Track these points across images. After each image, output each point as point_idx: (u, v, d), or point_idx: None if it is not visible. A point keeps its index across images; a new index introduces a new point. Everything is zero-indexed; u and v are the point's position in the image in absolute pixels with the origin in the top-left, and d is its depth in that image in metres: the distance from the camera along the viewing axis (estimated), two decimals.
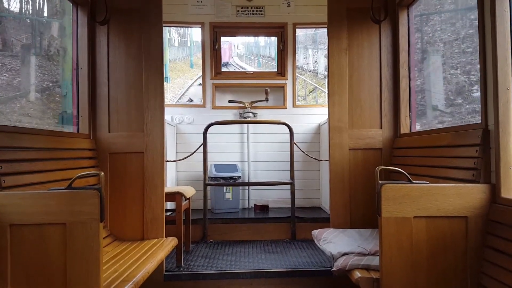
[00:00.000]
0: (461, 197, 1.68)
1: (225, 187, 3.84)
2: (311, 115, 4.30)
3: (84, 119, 2.56)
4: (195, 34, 5.10)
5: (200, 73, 4.35)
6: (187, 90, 4.83)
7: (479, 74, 1.80)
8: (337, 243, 2.28)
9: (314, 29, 4.85)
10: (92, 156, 2.52)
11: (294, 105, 4.31)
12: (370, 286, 1.76)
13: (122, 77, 2.62)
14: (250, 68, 5.33)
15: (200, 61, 4.32)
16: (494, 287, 1.55)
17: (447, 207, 1.67)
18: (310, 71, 5.07)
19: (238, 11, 4.28)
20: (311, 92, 4.98)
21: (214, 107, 4.26)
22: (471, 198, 1.68)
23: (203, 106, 4.27)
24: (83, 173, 1.73)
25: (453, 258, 1.68)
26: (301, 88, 4.81)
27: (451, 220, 1.68)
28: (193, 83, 4.85)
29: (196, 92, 4.60)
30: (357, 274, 1.83)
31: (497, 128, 1.66)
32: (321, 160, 4.05)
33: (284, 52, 4.31)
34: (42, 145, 2.00)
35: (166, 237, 2.57)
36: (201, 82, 4.33)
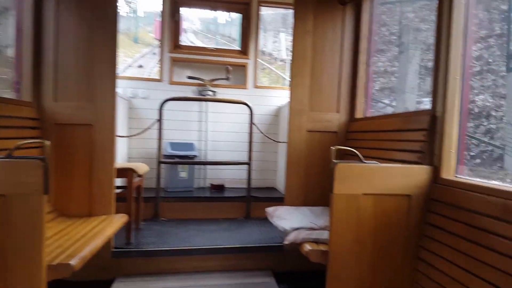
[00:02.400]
0: (405, 176, 1.78)
1: (180, 166, 3.77)
2: (271, 97, 4.30)
3: (27, 86, 2.36)
4: (146, 2, 4.80)
5: (146, 50, 4.15)
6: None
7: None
8: (290, 219, 2.35)
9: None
10: (36, 126, 2.34)
11: (255, 86, 4.28)
12: (319, 258, 1.86)
13: (71, 42, 2.43)
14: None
15: (148, 36, 4.12)
16: (430, 259, 1.69)
17: (393, 186, 1.77)
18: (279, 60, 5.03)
19: None
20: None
21: (172, 83, 4.12)
22: (414, 178, 1.79)
23: (160, 80, 4.10)
24: (25, 141, 1.60)
25: (396, 233, 1.79)
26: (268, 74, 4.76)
27: (396, 197, 1.78)
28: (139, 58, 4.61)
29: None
30: (307, 247, 1.91)
31: (443, 114, 1.77)
32: (279, 142, 4.09)
33: (248, 30, 4.24)
34: None
35: (116, 214, 2.48)
36: (159, 55, 4.16)
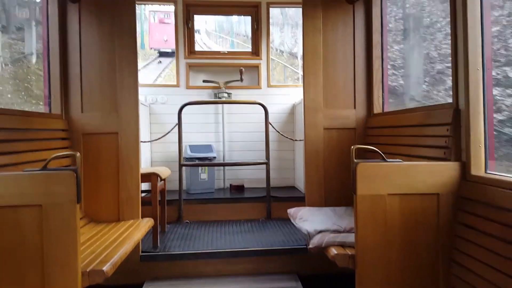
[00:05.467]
0: (432, 174, 1.74)
1: (200, 168, 3.82)
2: (285, 95, 4.31)
3: (56, 99, 2.46)
4: (151, 6, 4.88)
5: (153, 56, 4.25)
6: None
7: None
8: (312, 221, 2.34)
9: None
10: (65, 137, 2.43)
11: (269, 85, 4.30)
12: (345, 262, 1.81)
13: (94, 56, 2.53)
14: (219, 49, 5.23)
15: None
16: (466, 262, 1.60)
17: (419, 184, 1.73)
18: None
19: None
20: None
21: (188, 87, 4.18)
22: (442, 175, 1.75)
23: (177, 86, 4.17)
24: (59, 154, 1.66)
25: (425, 234, 1.73)
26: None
27: (423, 197, 1.74)
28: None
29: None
30: (333, 251, 1.88)
31: (467, 107, 1.74)
32: (295, 140, 4.10)
33: (258, 31, 4.26)
34: (13, 125, 1.91)
35: (142, 218, 2.54)
36: (175, 62, 4.23)
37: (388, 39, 3.04)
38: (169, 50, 13.18)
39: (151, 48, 13.90)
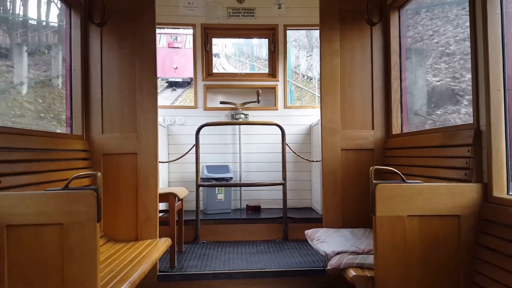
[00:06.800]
0: (453, 196, 1.71)
1: (217, 188, 3.84)
2: (302, 116, 4.33)
3: (78, 120, 2.54)
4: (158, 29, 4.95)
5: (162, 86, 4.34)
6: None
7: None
8: (330, 242, 2.31)
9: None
10: (86, 157, 2.50)
11: (286, 106, 4.34)
12: (364, 284, 1.78)
13: (115, 79, 2.61)
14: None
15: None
16: (487, 285, 1.57)
17: (440, 206, 1.71)
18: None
19: (229, 12, 4.28)
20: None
21: (206, 108, 4.25)
22: (463, 197, 1.72)
23: (195, 107, 4.26)
24: (80, 174, 1.71)
25: (446, 256, 1.70)
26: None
27: (444, 218, 1.71)
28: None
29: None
30: (352, 272, 1.85)
31: (489, 128, 1.71)
32: (312, 161, 4.08)
33: (275, 53, 4.33)
34: (37, 145, 1.97)
35: (159, 237, 2.55)
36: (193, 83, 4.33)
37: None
38: (179, 80, 11.53)
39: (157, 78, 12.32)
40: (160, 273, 2.56)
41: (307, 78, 10.21)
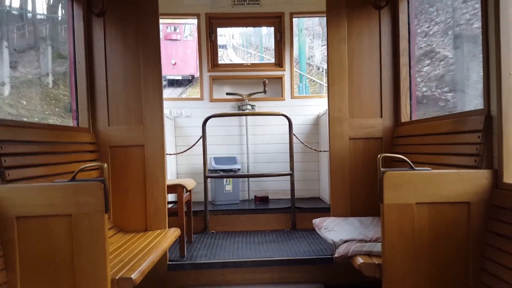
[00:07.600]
0: (463, 182, 1.69)
1: (225, 179, 3.85)
2: (309, 106, 4.29)
3: (84, 113, 2.55)
4: None
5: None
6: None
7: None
8: (338, 231, 2.31)
9: None
10: (93, 149, 2.52)
11: (293, 96, 4.30)
12: (372, 272, 1.79)
13: (120, 70, 2.60)
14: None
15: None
16: (496, 271, 1.57)
17: (449, 193, 1.69)
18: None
19: (234, 1, 4.23)
20: None
21: (212, 100, 4.24)
22: (473, 183, 1.69)
23: (201, 99, 4.24)
24: (86, 165, 1.72)
25: (455, 243, 1.69)
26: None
27: (453, 205, 1.69)
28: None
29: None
30: (360, 260, 1.86)
31: (500, 114, 1.67)
32: (320, 151, 4.06)
33: (282, 42, 4.28)
34: (44, 138, 1.99)
35: (168, 228, 2.58)
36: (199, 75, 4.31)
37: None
38: (179, 77, 10.17)
39: None
40: (170, 263, 2.59)
41: (322, 70, 9.60)
